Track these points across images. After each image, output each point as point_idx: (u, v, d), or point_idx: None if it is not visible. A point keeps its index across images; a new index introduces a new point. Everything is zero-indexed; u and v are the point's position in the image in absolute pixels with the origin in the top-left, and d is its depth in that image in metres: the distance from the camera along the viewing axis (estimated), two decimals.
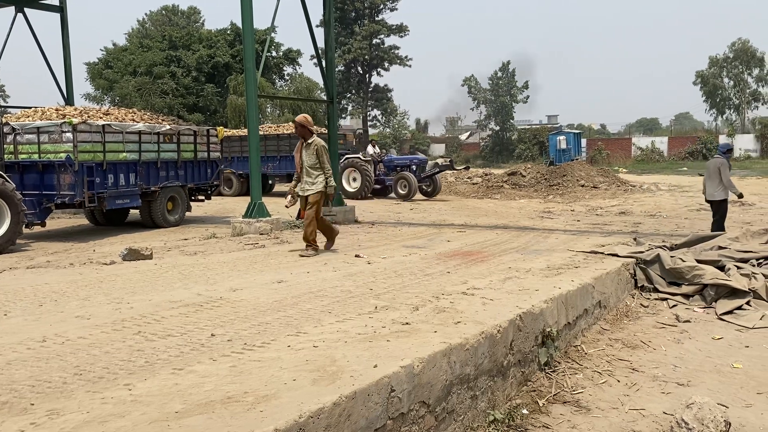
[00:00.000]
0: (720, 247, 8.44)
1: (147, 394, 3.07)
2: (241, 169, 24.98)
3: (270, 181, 26.11)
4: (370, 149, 22.90)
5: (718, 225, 10.52)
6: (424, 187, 21.86)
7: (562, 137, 36.41)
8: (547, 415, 4.37)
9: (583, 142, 46.92)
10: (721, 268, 7.55)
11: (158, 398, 3.01)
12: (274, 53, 47.28)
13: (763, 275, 7.30)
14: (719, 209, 10.68)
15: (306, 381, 3.26)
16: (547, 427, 4.18)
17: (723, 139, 46.16)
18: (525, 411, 4.36)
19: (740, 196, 10.75)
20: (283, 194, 25.24)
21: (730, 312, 6.72)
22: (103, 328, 4.46)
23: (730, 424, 3.97)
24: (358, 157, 22.16)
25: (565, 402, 4.59)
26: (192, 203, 15.45)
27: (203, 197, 15.96)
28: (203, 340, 4.13)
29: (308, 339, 4.10)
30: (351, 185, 21.98)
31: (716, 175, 10.55)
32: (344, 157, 22.17)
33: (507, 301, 5.26)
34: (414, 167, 22.00)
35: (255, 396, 3.03)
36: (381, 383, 3.29)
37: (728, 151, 10.98)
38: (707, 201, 10.94)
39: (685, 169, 38.20)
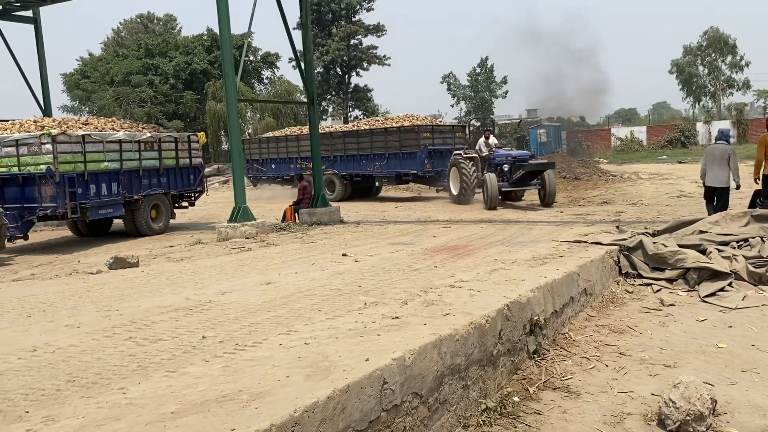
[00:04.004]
0: (701, 232, 8.56)
1: (141, 397, 3.09)
2: (345, 169, 22.40)
3: (377, 183, 23.30)
4: (482, 146, 18.10)
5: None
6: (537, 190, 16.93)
7: (542, 130, 36.68)
8: (538, 401, 4.44)
9: (563, 134, 47.27)
10: (703, 252, 7.67)
11: (153, 400, 3.03)
12: (252, 57, 47.15)
13: (744, 257, 7.43)
14: (723, 196, 10.52)
15: (299, 377, 3.29)
16: (539, 414, 4.24)
17: (701, 127, 46.74)
18: (516, 399, 4.42)
19: (738, 187, 10.56)
20: (392, 199, 22.53)
21: (713, 294, 6.83)
22: (93, 336, 4.45)
23: (716, 401, 4.07)
24: (459, 154, 18.06)
25: (555, 388, 4.66)
26: (176, 210, 15.40)
27: (187, 204, 15.93)
28: (194, 343, 4.14)
29: (299, 337, 4.13)
30: (456, 187, 18.21)
31: (724, 162, 10.39)
32: (453, 154, 18.76)
33: (494, 291, 5.32)
34: (506, 166, 16.81)
35: (249, 394, 3.05)
36: (374, 376, 3.32)
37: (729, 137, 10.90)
38: (711, 187, 10.63)
39: (665, 157, 38.61)
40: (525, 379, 4.80)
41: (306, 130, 25.16)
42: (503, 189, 16.52)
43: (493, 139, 18.21)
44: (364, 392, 3.23)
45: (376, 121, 24.27)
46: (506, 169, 16.72)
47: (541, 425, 4.09)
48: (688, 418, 3.85)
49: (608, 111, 63.38)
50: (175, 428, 2.67)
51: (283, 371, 3.39)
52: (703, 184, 10.93)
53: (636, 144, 47.41)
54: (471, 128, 23.80)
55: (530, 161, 16.73)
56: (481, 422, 4.05)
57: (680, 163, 32.34)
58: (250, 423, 2.68)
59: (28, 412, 2.99)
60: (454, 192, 18.20)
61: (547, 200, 16.41)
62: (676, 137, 46.08)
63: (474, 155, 17.67)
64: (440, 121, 26.86)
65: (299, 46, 15.25)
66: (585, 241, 8.31)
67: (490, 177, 16.10)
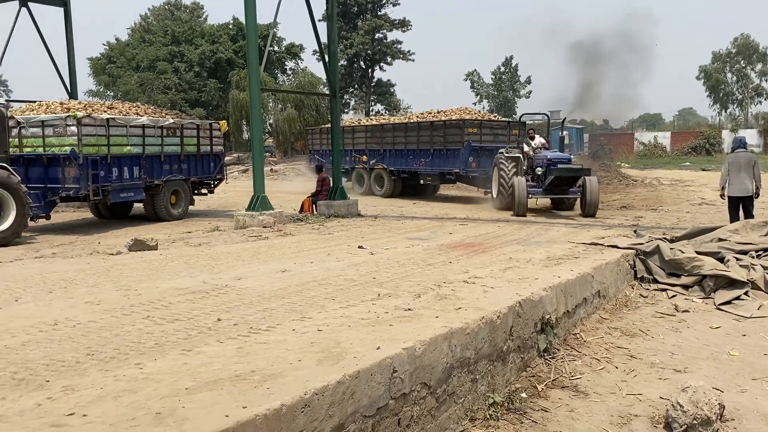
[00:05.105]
0: (720, 240, 8.50)
1: (157, 373, 3.18)
2: (394, 165, 20.71)
3: (421, 181, 21.00)
4: (524, 146, 16.09)
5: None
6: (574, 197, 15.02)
7: (564, 132, 36.36)
8: (545, 399, 4.47)
9: (585, 137, 46.95)
10: (721, 260, 7.63)
11: (168, 376, 3.12)
12: (276, 48, 47.35)
13: (762, 267, 7.37)
14: (749, 205, 10.25)
15: (311, 361, 3.36)
16: (546, 411, 4.28)
17: (727, 135, 46.10)
18: (524, 395, 4.46)
19: (758, 195, 10.35)
20: (447, 198, 20.67)
21: (728, 302, 6.80)
22: (112, 313, 4.57)
23: (724, 407, 4.07)
24: (502, 153, 16.05)
25: (563, 387, 4.69)
26: (195, 197, 15.58)
27: (206, 191, 16.10)
28: (210, 324, 4.23)
29: (313, 323, 4.20)
30: (496, 189, 16.24)
31: (750, 170, 10.11)
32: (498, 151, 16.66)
33: (507, 289, 5.35)
34: (539, 169, 14.78)
35: (262, 375, 3.12)
36: (384, 364, 3.38)
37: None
38: (737, 197, 10.24)
39: (688, 164, 38.19)
40: (534, 376, 4.83)
41: (365, 121, 24.71)
42: (538, 197, 15.03)
43: (539, 140, 16.16)
44: (373, 379, 3.29)
45: (428, 113, 22.27)
46: (539, 173, 14.71)
47: (548, 422, 4.13)
48: (694, 422, 3.86)
49: (633, 115, 62.66)
50: (189, 403, 2.75)
51: (296, 355, 3.46)
52: (723, 194, 10.48)
53: (659, 149, 46.96)
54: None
55: (560, 165, 14.34)
56: (488, 416, 4.09)
57: (703, 170, 31.96)
58: (262, 402, 2.75)
59: (48, 381, 3.09)
60: (494, 194, 16.30)
61: (587, 210, 14.16)
62: (700, 144, 45.56)
63: (517, 155, 15.68)
64: (494, 116, 24.30)
65: (324, 38, 15.31)
66: (601, 244, 8.30)
67: (519, 181, 14.32)
